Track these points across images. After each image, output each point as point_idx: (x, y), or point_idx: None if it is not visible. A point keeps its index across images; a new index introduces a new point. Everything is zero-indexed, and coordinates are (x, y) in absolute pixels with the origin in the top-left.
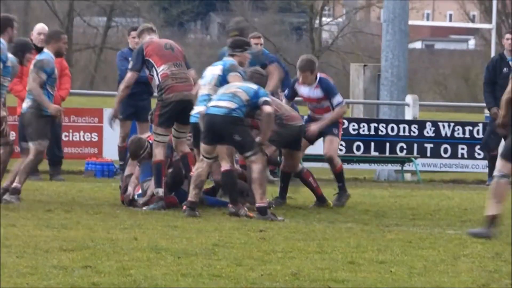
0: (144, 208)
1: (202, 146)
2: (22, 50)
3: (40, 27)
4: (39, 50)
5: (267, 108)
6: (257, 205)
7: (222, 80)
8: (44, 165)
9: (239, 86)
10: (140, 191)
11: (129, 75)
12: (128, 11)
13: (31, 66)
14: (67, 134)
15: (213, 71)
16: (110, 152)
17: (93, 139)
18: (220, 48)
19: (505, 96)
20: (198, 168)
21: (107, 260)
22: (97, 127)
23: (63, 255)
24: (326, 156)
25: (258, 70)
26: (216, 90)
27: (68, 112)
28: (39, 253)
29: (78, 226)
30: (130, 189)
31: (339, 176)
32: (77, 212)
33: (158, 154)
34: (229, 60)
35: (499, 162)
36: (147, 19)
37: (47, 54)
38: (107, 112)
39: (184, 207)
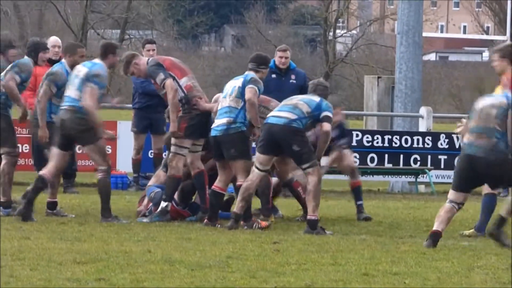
0: (144, 220)
1: (257, 155)
2: (35, 50)
3: (54, 40)
4: (53, 63)
5: (326, 126)
6: (308, 217)
7: (243, 92)
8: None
9: (301, 99)
10: (151, 204)
11: (168, 82)
12: (141, 23)
13: (44, 77)
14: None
15: (234, 84)
16: (124, 164)
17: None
18: (234, 60)
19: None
20: (247, 181)
21: (120, 272)
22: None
23: (76, 267)
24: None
25: (321, 82)
26: (237, 101)
27: None
28: (52, 265)
29: (91, 238)
30: (145, 202)
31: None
32: (90, 225)
33: (181, 169)
34: (251, 73)
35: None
36: (161, 31)
37: (60, 67)
38: (121, 125)
39: (205, 220)
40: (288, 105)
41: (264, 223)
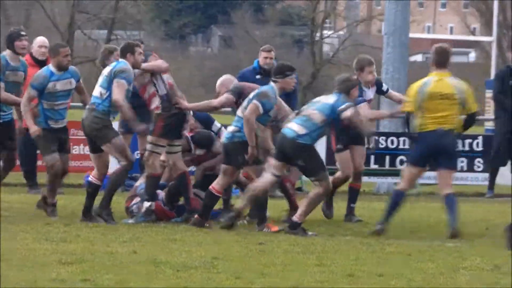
0: (130, 221)
1: (273, 161)
2: (11, 40)
3: (41, 40)
4: (40, 63)
5: (346, 113)
6: (293, 217)
7: None
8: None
9: (316, 106)
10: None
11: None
12: (129, 24)
13: None
14: None
15: (252, 94)
16: (110, 165)
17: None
18: (221, 61)
19: None
20: (257, 182)
21: (106, 273)
22: None
23: (62, 268)
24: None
25: (338, 78)
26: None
27: (68, 125)
28: (38, 266)
29: (77, 239)
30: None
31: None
32: (76, 225)
33: (158, 167)
34: (268, 86)
35: None
36: (148, 31)
37: (44, 69)
38: None
39: (195, 216)
40: (302, 117)
41: (274, 228)
